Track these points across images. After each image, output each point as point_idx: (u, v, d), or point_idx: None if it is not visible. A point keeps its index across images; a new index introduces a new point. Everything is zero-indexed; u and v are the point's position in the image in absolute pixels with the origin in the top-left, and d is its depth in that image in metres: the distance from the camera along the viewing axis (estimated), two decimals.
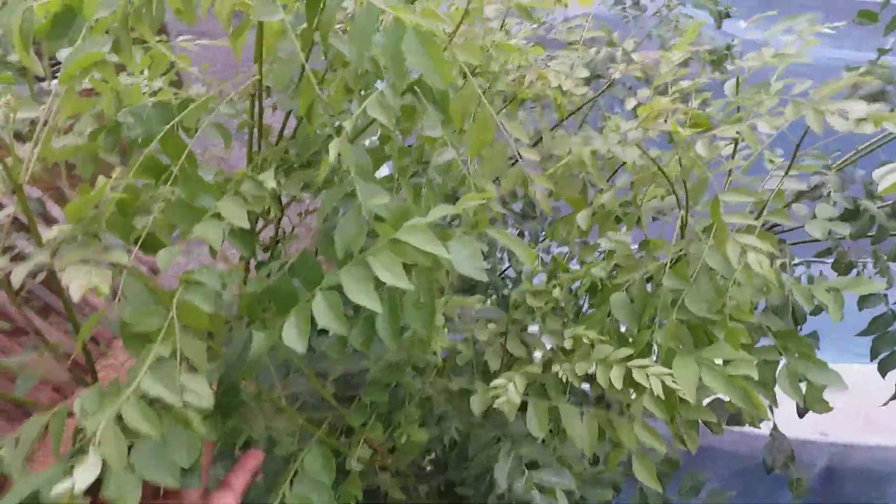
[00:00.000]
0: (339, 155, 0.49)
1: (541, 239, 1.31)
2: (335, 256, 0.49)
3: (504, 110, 1.02)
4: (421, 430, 0.70)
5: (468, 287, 1.35)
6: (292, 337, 0.46)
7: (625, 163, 0.84)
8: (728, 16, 1.46)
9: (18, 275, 0.49)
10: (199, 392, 0.46)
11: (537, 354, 0.82)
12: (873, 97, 0.88)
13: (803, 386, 0.69)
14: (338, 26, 0.54)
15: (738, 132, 0.58)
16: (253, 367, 0.51)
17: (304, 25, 0.52)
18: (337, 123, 0.50)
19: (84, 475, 0.41)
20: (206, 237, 0.48)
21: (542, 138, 1.11)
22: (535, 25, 1.23)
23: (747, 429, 1.15)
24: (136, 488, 0.45)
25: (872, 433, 1.82)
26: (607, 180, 0.96)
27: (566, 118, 1.17)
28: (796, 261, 1.08)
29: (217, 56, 0.78)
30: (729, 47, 1.41)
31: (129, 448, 0.45)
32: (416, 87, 0.54)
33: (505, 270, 1.36)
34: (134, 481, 0.44)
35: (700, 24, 0.81)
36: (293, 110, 0.61)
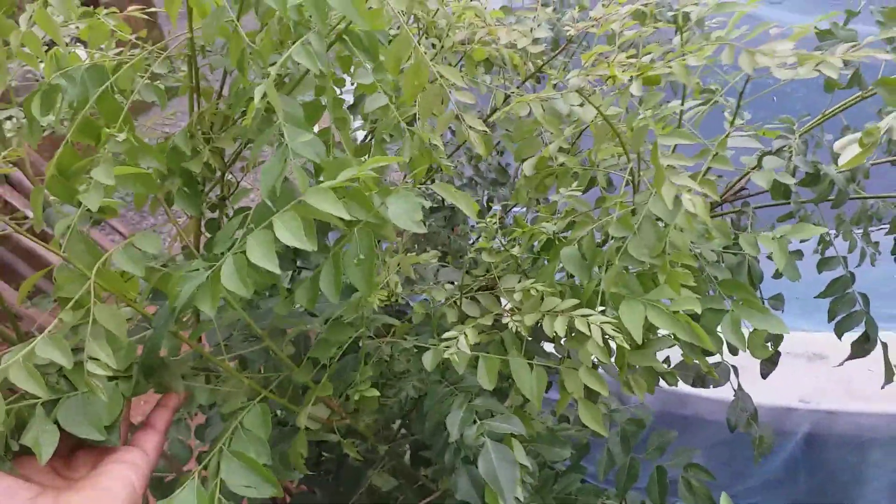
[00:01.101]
0: (268, 105, 0.51)
1: (510, 203, 1.33)
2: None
3: (460, 67, 1.03)
4: (372, 388, 0.72)
5: (440, 256, 1.37)
6: (206, 304, 0.48)
7: (589, 124, 0.85)
8: None
9: None
10: (101, 358, 0.49)
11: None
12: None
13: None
14: None
15: (670, 68, 0.59)
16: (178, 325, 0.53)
17: None
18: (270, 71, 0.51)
19: None
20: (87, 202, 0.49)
21: (497, 99, 1.12)
22: None
23: (728, 397, 1.18)
24: (53, 438, 0.48)
25: (855, 400, 1.84)
26: (574, 142, 0.98)
27: (527, 79, 1.18)
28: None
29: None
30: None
31: (57, 402, 0.49)
32: (344, 36, 0.55)
33: (476, 239, 1.37)
34: (51, 432, 0.47)
35: None
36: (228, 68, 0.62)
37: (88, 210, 0.55)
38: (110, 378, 0.55)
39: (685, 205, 0.58)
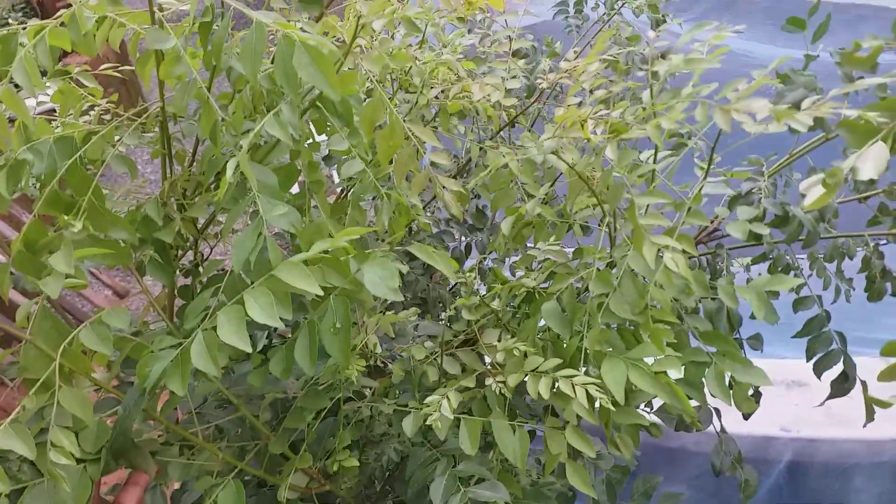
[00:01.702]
0: (241, 174, 0.49)
1: (487, 251, 1.32)
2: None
3: (434, 122, 1.03)
4: (351, 458, 0.69)
5: (419, 302, 1.35)
6: (176, 384, 0.46)
7: (563, 172, 0.85)
8: (665, 21, 1.49)
9: None
10: (65, 446, 0.48)
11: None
12: (795, 104, 0.91)
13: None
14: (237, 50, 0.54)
15: (643, 130, 0.59)
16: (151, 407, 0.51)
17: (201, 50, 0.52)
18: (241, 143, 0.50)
19: None
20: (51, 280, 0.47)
21: (480, 149, 1.12)
22: (470, 42, 1.25)
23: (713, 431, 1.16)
24: None
25: (835, 426, 1.84)
26: (548, 190, 0.97)
27: (501, 130, 1.19)
28: (735, 266, 1.10)
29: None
30: (664, 54, 1.44)
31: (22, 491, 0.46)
32: (318, 103, 0.54)
33: (455, 285, 1.36)
34: None
35: (611, 34, 0.83)
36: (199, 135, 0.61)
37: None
38: (78, 461, 0.52)
39: (667, 264, 0.57)
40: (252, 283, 0.47)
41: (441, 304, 1.28)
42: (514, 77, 1.08)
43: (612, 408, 0.60)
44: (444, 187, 0.61)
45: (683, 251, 0.63)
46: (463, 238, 1.33)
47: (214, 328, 0.44)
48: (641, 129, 0.59)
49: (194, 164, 0.64)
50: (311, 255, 0.45)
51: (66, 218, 0.49)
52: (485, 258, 1.33)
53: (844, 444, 1.75)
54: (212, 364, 0.45)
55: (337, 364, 0.66)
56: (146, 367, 0.46)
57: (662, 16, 1.46)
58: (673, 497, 1.05)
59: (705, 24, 0.72)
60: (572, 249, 0.87)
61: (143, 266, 0.60)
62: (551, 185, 0.99)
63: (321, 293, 0.44)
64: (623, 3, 1.42)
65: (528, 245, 0.93)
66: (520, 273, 0.93)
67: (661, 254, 0.59)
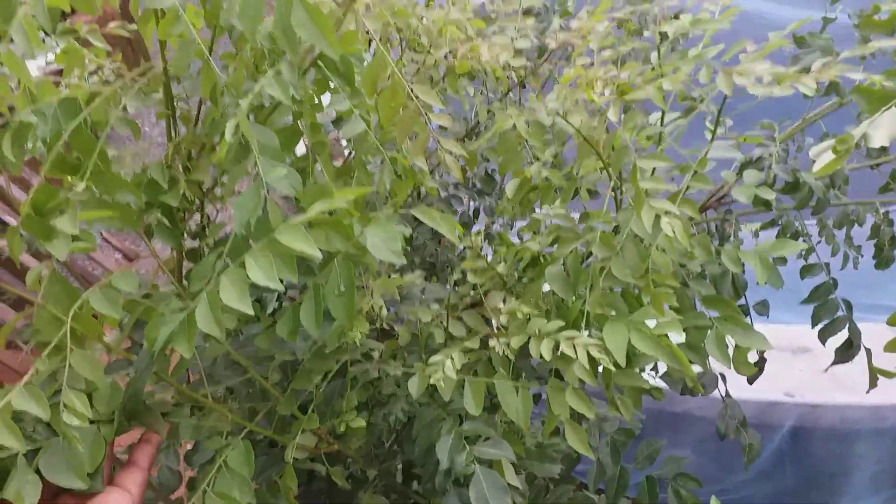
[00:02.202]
0: (243, 135, 0.49)
1: (495, 215, 1.31)
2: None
3: (443, 83, 1.01)
4: (359, 418, 0.70)
5: (428, 267, 1.35)
6: (183, 346, 0.47)
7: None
8: None
9: None
10: (77, 407, 0.48)
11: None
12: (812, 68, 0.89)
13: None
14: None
15: (645, 92, 0.58)
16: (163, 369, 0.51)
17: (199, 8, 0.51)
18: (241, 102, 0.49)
19: None
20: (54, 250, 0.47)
21: (488, 112, 1.10)
22: (480, 0, 1.23)
23: (719, 394, 1.17)
24: (36, 489, 0.46)
25: (839, 392, 1.84)
26: (558, 154, 0.96)
27: (510, 91, 1.17)
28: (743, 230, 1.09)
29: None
30: (677, 15, 1.41)
31: (38, 451, 0.47)
32: (319, 62, 0.53)
33: (463, 249, 1.36)
34: (33, 482, 0.46)
35: None
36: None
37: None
38: (92, 422, 0.53)
39: (664, 228, 0.57)
40: (255, 243, 0.47)
41: (449, 269, 1.29)
42: (524, 37, 1.06)
43: (613, 369, 0.60)
44: (447, 150, 0.61)
45: (688, 217, 0.63)
46: (471, 202, 1.32)
47: (219, 291, 0.45)
48: (643, 89, 0.58)
49: (198, 125, 0.64)
50: (311, 216, 0.45)
51: (69, 179, 0.50)
52: (493, 222, 1.32)
53: (847, 409, 1.75)
54: (216, 327, 0.45)
55: (342, 326, 0.66)
56: (154, 330, 0.46)
57: None
58: (677, 460, 1.06)
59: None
60: (580, 213, 0.86)
61: (150, 229, 0.60)
62: (560, 148, 0.98)
63: (320, 256, 0.45)
64: None
65: (536, 209, 0.92)
66: (526, 237, 0.93)
67: (660, 218, 0.58)
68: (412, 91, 0.63)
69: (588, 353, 0.61)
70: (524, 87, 1.22)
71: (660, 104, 0.58)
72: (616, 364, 0.61)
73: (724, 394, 1.19)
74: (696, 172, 0.68)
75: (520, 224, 1.23)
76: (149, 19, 0.61)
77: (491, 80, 1.19)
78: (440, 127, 0.68)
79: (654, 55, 0.75)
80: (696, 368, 0.87)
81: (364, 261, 0.56)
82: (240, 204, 0.46)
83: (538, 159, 0.90)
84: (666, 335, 0.61)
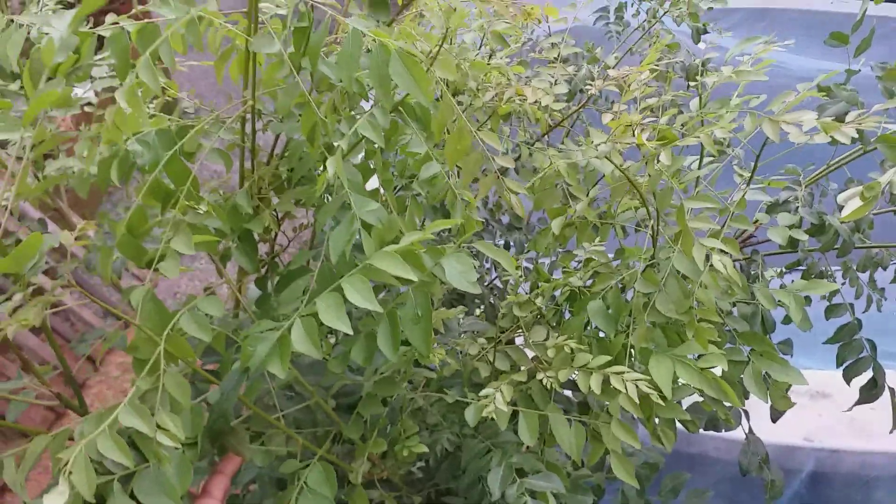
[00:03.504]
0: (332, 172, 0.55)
1: (525, 249, 1.37)
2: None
3: (486, 124, 1.08)
4: (420, 443, 0.74)
5: (456, 297, 1.40)
6: (276, 366, 0.51)
7: (604, 175, 0.90)
8: (706, 31, 1.53)
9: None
10: (171, 429, 0.51)
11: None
12: (840, 118, 0.95)
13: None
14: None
15: (697, 138, 0.64)
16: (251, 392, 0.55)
17: (291, 51, 0.57)
18: (336, 143, 0.55)
19: (51, 502, 0.45)
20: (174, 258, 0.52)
21: (520, 153, 1.17)
22: (517, 44, 1.30)
23: (735, 436, 1.20)
24: None
25: (858, 438, 1.86)
26: (587, 192, 1.02)
27: (548, 132, 1.23)
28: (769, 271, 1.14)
29: (194, 76, 0.82)
30: (704, 63, 1.49)
31: (132, 476, 0.50)
32: (399, 107, 0.59)
33: (493, 280, 1.41)
34: None
35: (663, 45, 0.87)
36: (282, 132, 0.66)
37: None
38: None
39: (716, 265, 0.62)
40: (338, 272, 0.52)
41: (477, 300, 1.33)
42: (559, 83, 1.13)
43: (662, 402, 0.64)
44: (512, 190, 0.67)
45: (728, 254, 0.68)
46: (500, 236, 1.38)
47: (313, 314, 0.49)
48: (695, 136, 0.64)
49: (273, 158, 0.70)
50: (404, 245, 0.50)
51: (186, 203, 0.55)
52: (524, 256, 1.37)
53: (867, 455, 1.77)
54: (313, 347, 0.50)
55: (408, 353, 0.71)
56: (250, 347, 0.51)
57: (703, 25, 1.50)
58: (700, 494, 1.10)
59: (753, 39, 0.76)
60: (616, 249, 0.91)
61: (227, 253, 0.65)
62: (594, 187, 1.04)
63: (416, 280, 0.49)
64: (665, 13, 1.46)
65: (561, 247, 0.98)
66: (557, 272, 0.98)
67: (710, 257, 0.64)
68: (477, 135, 0.69)
69: (637, 387, 0.65)
70: (568, 134, 1.29)
71: (710, 149, 0.64)
72: (662, 397, 0.65)
73: (747, 430, 1.22)
74: (733, 213, 0.73)
75: (545, 258, 1.28)
76: (226, 58, 0.67)
77: (527, 122, 1.25)
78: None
79: (692, 102, 0.81)
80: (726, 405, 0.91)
81: (433, 290, 0.60)
82: (335, 236, 0.51)
83: (574, 197, 0.96)
84: (710, 369, 0.65)
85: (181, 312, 0.55)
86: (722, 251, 0.64)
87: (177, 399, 0.53)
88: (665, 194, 0.71)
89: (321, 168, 0.55)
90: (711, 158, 0.96)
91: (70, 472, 0.46)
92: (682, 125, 0.74)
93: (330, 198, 0.62)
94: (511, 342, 0.92)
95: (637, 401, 0.64)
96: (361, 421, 0.72)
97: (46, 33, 0.63)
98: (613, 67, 1.49)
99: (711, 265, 0.66)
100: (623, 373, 0.66)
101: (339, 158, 0.51)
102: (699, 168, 0.82)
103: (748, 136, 0.95)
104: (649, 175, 0.75)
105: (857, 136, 0.62)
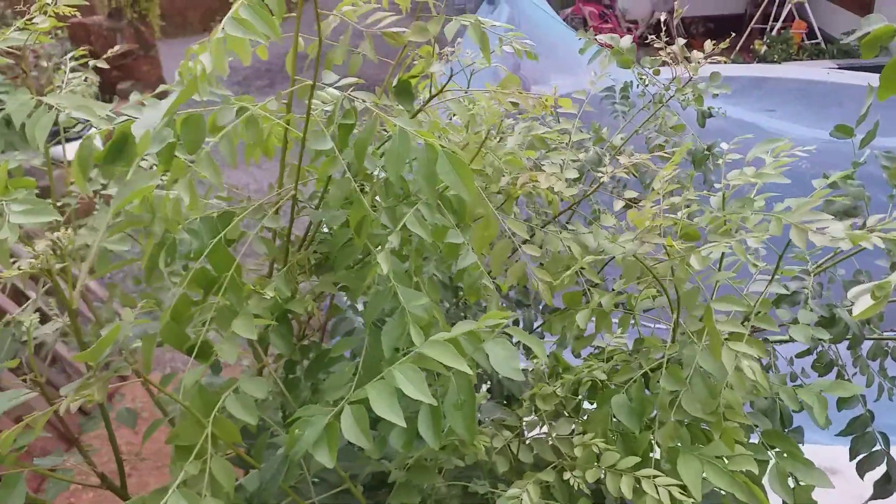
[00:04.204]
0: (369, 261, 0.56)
1: (534, 326, 1.37)
2: (381, 356, 0.55)
3: (501, 207, 1.11)
4: None
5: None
6: (324, 454, 0.51)
7: (614, 257, 0.92)
8: (711, 115, 1.59)
9: None
10: None
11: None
12: (845, 213, 0.99)
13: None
14: None
15: (728, 246, 0.66)
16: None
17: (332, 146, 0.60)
18: (389, 240, 0.56)
19: None
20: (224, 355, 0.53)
21: (534, 233, 1.19)
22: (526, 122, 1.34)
23: None
24: None
25: None
26: (598, 273, 1.04)
27: (560, 214, 1.26)
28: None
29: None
30: (710, 148, 1.54)
31: None
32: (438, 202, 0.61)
33: None
34: None
35: (684, 151, 0.91)
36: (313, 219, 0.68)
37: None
38: None
39: (745, 371, 0.63)
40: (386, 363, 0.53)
41: (486, 379, 1.33)
42: (569, 168, 1.16)
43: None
44: (541, 279, 0.68)
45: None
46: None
47: (359, 402, 0.50)
48: (726, 244, 0.66)
49: (306, 243, 0.71)
50: (454, 334, 0.51)
51: (250, 287, 0.56)
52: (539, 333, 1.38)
53: None
54: (363, 436, 0.50)
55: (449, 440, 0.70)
56: (297, 430, 0.51)
57: (708, 109, 1.56)
58: None
59: (776, 140, 0.80)
60: (635, 339, 0.93)
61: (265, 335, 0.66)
62: (601, 268, 1.06)
63: (469, 371, 0.50)
64: (671, 97, 1.52)
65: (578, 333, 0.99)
66: (572, 358, 0.99)
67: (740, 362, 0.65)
68: (504, 223, 0.71)
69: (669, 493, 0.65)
70: (572, 216, 1.32)
71: (741, 256, 0.66)
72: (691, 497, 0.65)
73: None
74: (759, 313, 0.75)
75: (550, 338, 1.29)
76: (259, 147, 0.70)
77: (537, 203, 1.28)
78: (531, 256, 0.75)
79: (713, 200, 0.84)
80: None
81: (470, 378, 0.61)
82: (388, 331, 0.52)
83: (590, 282, 0.98)
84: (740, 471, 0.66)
85: (226, 395, 0.55)
86: (751, 356, 0.65)
87: (220, 484, 0.53)
88: (692, 295, 0.73)
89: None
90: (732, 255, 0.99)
91: None
92: (707, 224, 0.76)
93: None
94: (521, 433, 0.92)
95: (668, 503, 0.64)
96: None
97: (82, 121, 0.65)
98: (620, 148, 1.55)
99: (738, 367, 0.67)
100: (654, 476, 0.66)
101: (387, 254, 0.52)
102: (720, 268, 0.84)
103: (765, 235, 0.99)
104: (672, 274, 0.77)
105: (882, 245, 0.64)
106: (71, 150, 0.71)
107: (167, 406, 0.82)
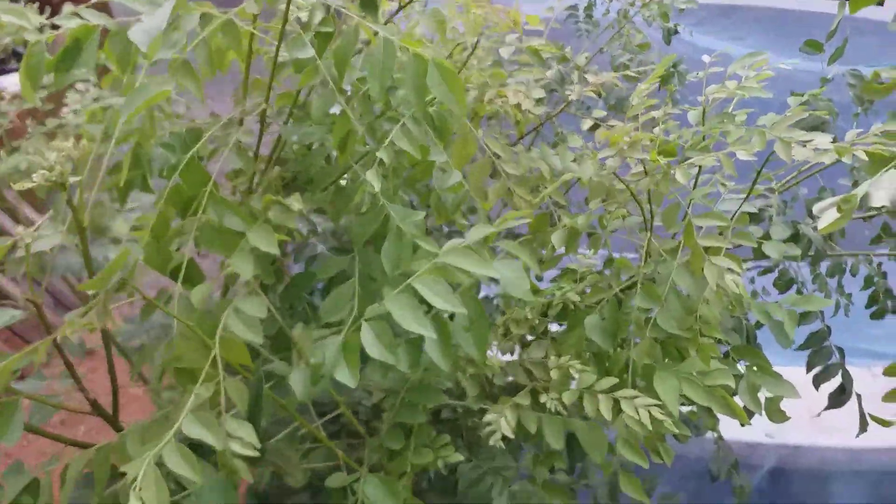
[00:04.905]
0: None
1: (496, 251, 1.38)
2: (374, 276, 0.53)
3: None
4: (456, 453, 0.73)
5: None
6: (345, 374, 0.50)
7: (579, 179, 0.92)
8: (677, 32, 1.58)
9: None
10: (246, 438, 0.48)
11: None
12: (814, 127, 1.00)
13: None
14: None
15: (716, 159, 0.66)
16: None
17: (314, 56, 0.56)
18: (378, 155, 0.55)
19: None
20: (239, 269, 0.51)
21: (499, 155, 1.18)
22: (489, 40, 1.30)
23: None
24: None
25: (819, 434, 1.96)
26: (564, 194, 1.04)
27: (525, 135, 1.25)
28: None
29: None
30: (675, 65, 1.54)
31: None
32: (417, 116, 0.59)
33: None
34: None
35: (668, 62, 0.90)
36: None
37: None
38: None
39: (729, 285, 0.65)
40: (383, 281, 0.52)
41: None
42: (539, 86, 1.14)
43: (671, 423, 0.66)
44: (521, 196, 0.68)
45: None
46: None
47: (380, 318, 0.48)
48: (712, 156, 0.66)
49: (269, 163, 0.69)
50: (472, 239, 0.50)
51: (274, 198, 0.53)
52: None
53: (826, 451, 1.87)
54: (387, 350, 0.49)
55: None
56: (315, 354, 0.49)
57: (674, 26, 1.55)
58: (670, 497, 1.15)
59: (757, 54, 0.79)
60: (604, 260, 0.94)
61: None
62: (567, 190, 1.06)
63: (497, 276, 0.49)
64: (636, 13, 1.50)
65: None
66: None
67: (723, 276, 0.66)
68: (483, 141, 0.69)
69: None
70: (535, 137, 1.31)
71: (729, 170, 0.66)
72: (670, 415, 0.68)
73: (716, 437, 1.28)
74: (733, 229, 0.77)
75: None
76: (226, 58, 0.66)
77: (502, 124, 1.26)
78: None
79: (690, 115, 0.84)
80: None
81: None
82: (388, 250, 0.51)
83: (555, 203, 0.98)
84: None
85: (225, 314, 0.53)
86: (733, 270, 0.67)
87: (240, 407, 0.51)
88: (671, 212, 0.73)
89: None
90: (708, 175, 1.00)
91: (141, 488, 0.43)
92: (684, 139, 0.76)
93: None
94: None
95: (650, 426, 0.66)
96: (400, 429, 0.71)
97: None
98: (584, 67, 1.52)
99: (718, 283, 0.68)
100: (634, 398, 0.67)
101: (377, 171, 0.51)
102: (695, 185, 0.84)
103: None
104: (651, 189, 0.77)
105: (865, 157, 0.66)
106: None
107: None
